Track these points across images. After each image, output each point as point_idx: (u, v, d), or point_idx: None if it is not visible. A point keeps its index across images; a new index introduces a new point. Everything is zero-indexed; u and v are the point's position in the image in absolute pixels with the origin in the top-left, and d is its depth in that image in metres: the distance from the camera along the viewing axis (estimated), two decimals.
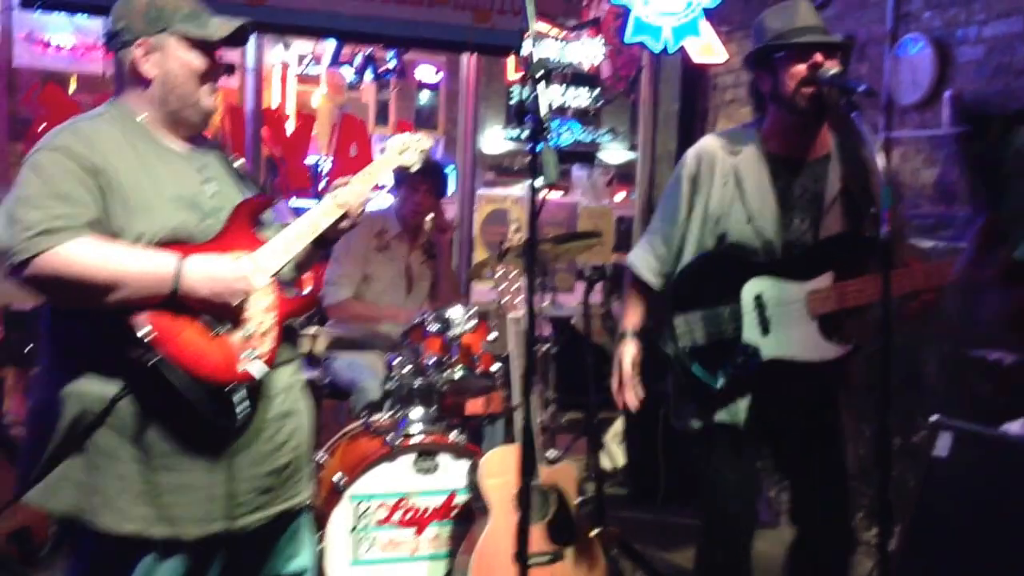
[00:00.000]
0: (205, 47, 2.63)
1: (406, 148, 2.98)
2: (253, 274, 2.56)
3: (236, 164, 2.85)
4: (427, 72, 12.56)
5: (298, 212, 2.90)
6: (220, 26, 2.65)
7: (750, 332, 3.23)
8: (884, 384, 2.78)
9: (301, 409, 2.83)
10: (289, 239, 2.70)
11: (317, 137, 8.42)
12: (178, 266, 2.44)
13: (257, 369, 2.53)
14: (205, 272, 2.47)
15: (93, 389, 2.46)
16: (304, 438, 2.83)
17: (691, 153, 3.40)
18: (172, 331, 2.44)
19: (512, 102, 8.87)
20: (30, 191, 2.41)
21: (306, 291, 2.86)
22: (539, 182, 2.51)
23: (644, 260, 3.49)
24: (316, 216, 2.77)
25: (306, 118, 8.50)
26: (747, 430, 3.30)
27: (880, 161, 2.79)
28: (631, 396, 3.49)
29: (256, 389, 2.58)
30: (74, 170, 2.44)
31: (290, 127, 8.10)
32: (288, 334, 2.72)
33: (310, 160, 8.17)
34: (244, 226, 2.65)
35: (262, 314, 2.60)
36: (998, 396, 4.49)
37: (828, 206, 3.25)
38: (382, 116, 13.32)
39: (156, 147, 2.62)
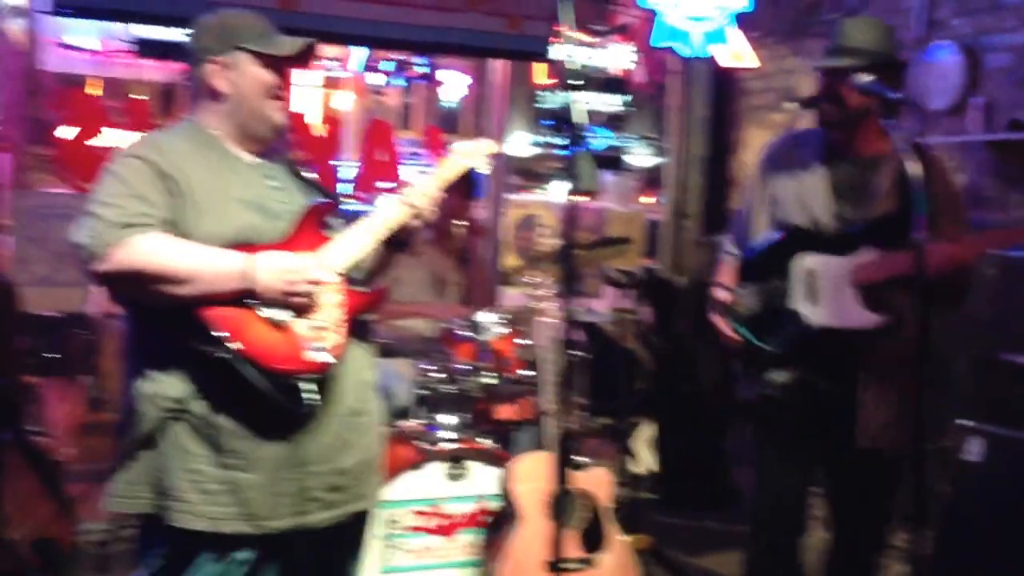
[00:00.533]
0: (274, 64, 2.74)
1: (473, 152, 3.03)
2: (321, 268, 2.62)
3: (307, 175, 2.93)
4: (452, 77, 12.51)
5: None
6: (288, 43, 2.76)
7: (799, 302, 3.38)
8: (918, 387, 2.79)
9: (372, 409, 2.87)
10: (355, 237, 2.76)
11: (344, 141, 8.42)
12: (249, 261, 2.52)
13: (324, 357, 2.58)
14: (275, 266, 2.54)
15: (165, 390, 2.55)
16: (374, 439, 2.88)
17: (763, 147, 3.73)
18: (241, 325, 2.51)
19: (541, 107, 8.85)
20: (106, 193, 2.53)
21: (375, 288, 2.90)
22: (574, 188, 2.57)
23: (728, 244, 3.76)
24: (383, 216, 2.82)
25: (334, 122, 8.49)
26: (790, 406, 3.41)
27: (914, 167, 2.80)
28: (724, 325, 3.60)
29: (326, 383, 2.63)
30: (147, 173, 2.56)
31: (318, 131, 8.10)
32: (360, 331, 2.78)
33: (336, 163, 8.18)
34: (312, 228, 2.73)
35: (331, 308, 2.65)
36: None
37: (878, 201, 3.37)
38: (407, 120, 13.28)
39: (226, 156, 2.73)
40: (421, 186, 2.91)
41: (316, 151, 7.58)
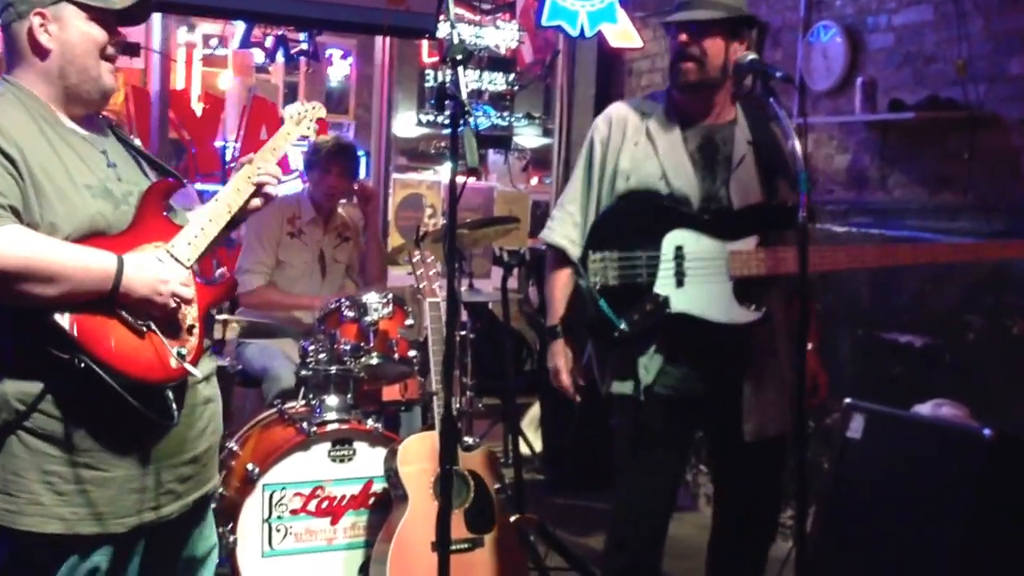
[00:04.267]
0: (105, 19, 2.50)
1: (303, 117, 2.85)
2: (187, 281, 2.49)
3: (134, 143, 2.73)
4: (337, 55, 12.39)
5: (204, 195, 2.81)
6: None
7: (664, 282, 3.21)
8: (800, 366, 2.78)
9: (216, 395, 2.75)
10: (205, 224, 2.59)
11: (225, 120, 8.25)
12: (118, 264, 2.36)
13: (187, 365, 2.47)
14: (145, 275, 2.40)
15: (13, 391, 2.36)
16: (219, 423, 2.78)
17: (601, 118, 3.45)
18: (101, 331, 2.35)
19: (427, 85, 8.79)
20: None
21: (221, 277, 2.81)
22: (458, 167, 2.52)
23: (562, 231, 3.43)
24: (229, 197, 2.66)
25: (215, 100, 8.30)
26: (659, 401, 3.26)
27: (797, 146, 2.79)
28: (575, 395, 3.44)
29: (180, 383, 2.53)
30: None
31: (198, 109, 7.93)
32: (206, 322, 2.64)
33: (219, 143, 8.03)
34: (156, 212, 2.55)
35: (187, 307, 2.53)
36: (908, 378, 4.57)
37: (736, 166, 3.27)
38: (292, 99, 13.18)
39: (62, 131, 2.48)
40: (258, 161, 2.72)
41: (196, 131, 7.41)
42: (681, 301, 3.20)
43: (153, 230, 2.51)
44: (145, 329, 2.42)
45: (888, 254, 3.37)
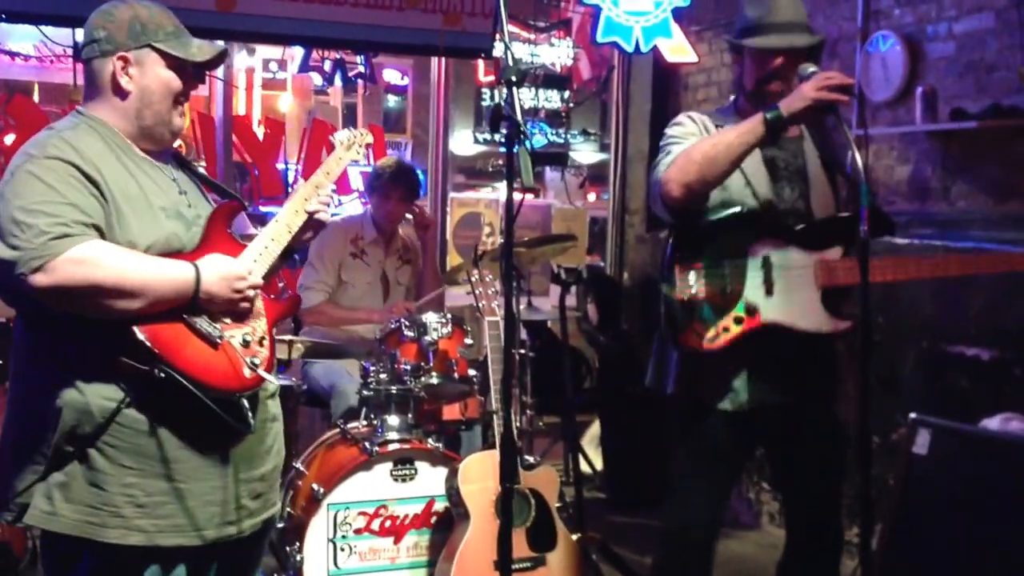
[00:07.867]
0: (183, 68, 2.62)
1: (352, 143, 2.92)
2: (256, 271, 2.59)
3: (198, 169, 2.85)
4: (394, 76, 12.49)
5: (268, 217, 2.88)
6: (201, 49, 2.64)
7: (753, 292, 3.18)
8: (864, 381, 2.76)
9: (280, 414, 2.83)
10: (268, 243, 2.68)
11: (286, 143, 8.34)
12: (196, 270, 2.45)
13: (262, 373, 2.55)
14: (221, 272, 2.50)
15: (91, 400, 2.42)
16: (283, 445, 2.85)
17: (680, 116, 3.41)
18: (177, 343, 2.43)
19: (484, 104, 8.85)
20: (33, 199, 2.34)
21: (285, 294, 2.98)
22: (515, 185, 2.54)
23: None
24: (288, 217, 2.74)
25: (276, 124, 8.40)
26: (742, 419, 3.24)
27: (858, 157, 2.77)
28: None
29: (253, 394, 2.61)
30: (75, 177, 2.40)
31: (260, 133, 8.02)
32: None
33: (280, 166, 8.13)
34: (222, 232, 2.64)
35: (254, 320, 2.61)
36: (976, 392, 4.49)
37: (814, 179, 3.29)
38: (350, 120, 13.29)
39: (136, 159, 2.59)
40: (312, 182, 2.81)
41: (258, 154, 7.49)
42: (771, 310, 3.18)
43: (222, 248, 2.60)
44: (219, 341, 2.49)
45: (972, 263, 3.33)
